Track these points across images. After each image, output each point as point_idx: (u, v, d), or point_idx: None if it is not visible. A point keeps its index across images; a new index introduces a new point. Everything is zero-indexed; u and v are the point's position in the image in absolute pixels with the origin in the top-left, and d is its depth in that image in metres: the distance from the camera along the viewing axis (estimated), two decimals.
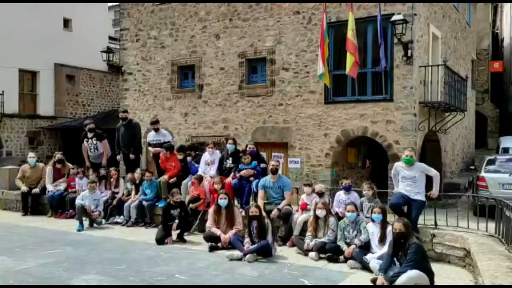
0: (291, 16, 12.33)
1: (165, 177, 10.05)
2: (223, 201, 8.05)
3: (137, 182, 10.34)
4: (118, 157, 11.27)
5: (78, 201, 9.87)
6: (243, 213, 8.27)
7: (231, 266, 6.83)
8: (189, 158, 10.37)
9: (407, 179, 7.41)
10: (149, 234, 8.82)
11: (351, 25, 10.22)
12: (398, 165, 7.63)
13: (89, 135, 11.19)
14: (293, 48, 12.30)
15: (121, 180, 10.82)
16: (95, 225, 9.92)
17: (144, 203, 9.93)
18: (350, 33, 10.16)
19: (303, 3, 12.16)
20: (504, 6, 27.28)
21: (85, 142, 11.26)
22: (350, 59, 10.18)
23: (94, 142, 11.14)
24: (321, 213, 7.50)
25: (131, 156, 10.89)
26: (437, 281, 5.74)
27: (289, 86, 12.35)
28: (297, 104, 12.22)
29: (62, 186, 11.32)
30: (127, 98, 15.41)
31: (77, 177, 11.24)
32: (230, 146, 9.80)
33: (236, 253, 7.27)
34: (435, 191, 7.53)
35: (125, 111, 11.72)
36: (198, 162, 10.38)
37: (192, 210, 9.14)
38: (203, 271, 6.56)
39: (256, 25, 12.88)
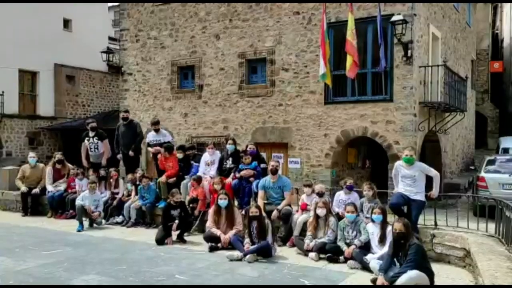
0: (291, 16, 12.33)
1: (163, 178, 10.06)
2: (223, 202, 8.05)
3: (138, 182, 10.33)
4: (119, 156, 11.27)
5: (78, 202, 9.87)
6: (243, 213, 8.28)
7: (231, 266, 6.83)
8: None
9: (407, 178, 7.41)
10: (149, 234, 8.82)
11: (350, 26, 10.22)
12: (399, 164, 7.63)
13: (91, 134, 11.20)
14: (293, 49, 12.30)
15: (121, 181, 10.82)
16: (95, 225, 9.92)
17: (144, 207, 9.90)
18: (349, 34, 10.16)
19: (303, 4, 12.17)
20: (504, 6, 27.29)
21: (86, 141, 11.27)
22: (348, 60, 10.20)
23: (95, 141, 11.15)
24: (321, 212, 7.50)
25: (130, 153, 10.90)
26: (437, 281, 5.75)
27: (289, 87, 12.35)
28: (297, 104, 12.22)
29: (62, 186, 11.32)
30: (127, 98, 15.41)
31: (76, 178, 11.24)
32: (230, 147, 9.81)
33: (236, 253, 7.27)
34: (435, 192, 7.54)
35: (127, 111, 11.79)
36: (197, 162, 10.39)
37: (191, 210, 9.15)
38: (203, 271, 6.56)
39: (256, 25, 12.88)
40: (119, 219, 10.21)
